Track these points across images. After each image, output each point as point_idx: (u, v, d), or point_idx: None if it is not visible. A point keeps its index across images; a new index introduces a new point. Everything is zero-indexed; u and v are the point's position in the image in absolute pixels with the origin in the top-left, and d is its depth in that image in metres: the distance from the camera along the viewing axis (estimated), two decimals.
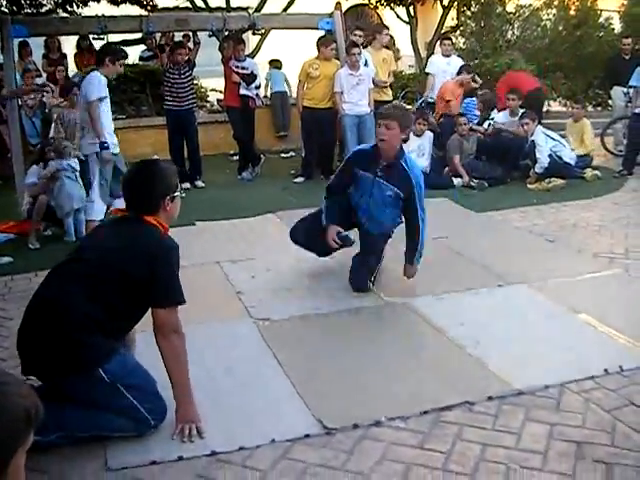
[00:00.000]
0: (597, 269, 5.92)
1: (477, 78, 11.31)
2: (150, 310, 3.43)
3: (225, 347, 4.49)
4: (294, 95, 11.93)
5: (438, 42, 13.73)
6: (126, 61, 8.18)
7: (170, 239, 3.53)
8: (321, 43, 10.12)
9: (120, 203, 7.23)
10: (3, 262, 6.61)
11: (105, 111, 7.29)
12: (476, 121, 10.63)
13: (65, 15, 13.45)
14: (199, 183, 10.03)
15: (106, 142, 7.12)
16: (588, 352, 4.31)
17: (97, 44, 10.42)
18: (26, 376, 3.38)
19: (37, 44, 12.91)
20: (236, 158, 11.20)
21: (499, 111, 10.67)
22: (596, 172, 9.88)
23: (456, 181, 9.65)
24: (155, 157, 11.06)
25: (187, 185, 9.80)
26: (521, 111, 10.18)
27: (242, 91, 10.30)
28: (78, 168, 7.50)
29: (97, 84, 7.19)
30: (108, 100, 7.39)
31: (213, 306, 5.26)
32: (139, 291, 3.39)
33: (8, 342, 4.68)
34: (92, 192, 7.33)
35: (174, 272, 3.43)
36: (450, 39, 12.51)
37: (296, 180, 10.17)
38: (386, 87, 10.79)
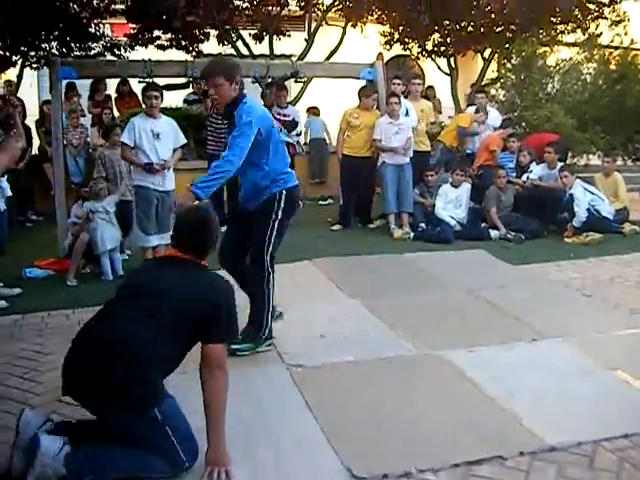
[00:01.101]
0: (634, 325, 5.84)
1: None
2: (202, 346, 3.53)
3: (257, 391, 4.50)
4: (333, 143, 12.04)
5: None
6: (169, 104, 8.49)
7: (225, 279, 3.86)
8: (362, 93, 10.25)
9: (143, 241, 7.54)
10: (13, 294, 6.73)
11: (143, 151, 7.75)
12: (513, 174, 10.64)
13: (112, 58, 13.76)
14: None
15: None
16: (623, 409, 4.25)
17: (138, 89, 10.62)
18: (64, 395, 3.53)
19: (83, 86, 13.23)
20: None
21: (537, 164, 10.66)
22: (634, 227, 9.82)
23: (493, 233, 9.64)
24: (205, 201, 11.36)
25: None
26: (560, 164, 10.19)
27: (282, 137, 10.38)
28: (112, 210, 7.69)
29: (127, 128, 7.80)
30: (149, 139, 7.79)
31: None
32: (198, 331, 3.51)
33: (43, 377, 4.75)
34: (133, 223, 7.93)
35: (235, 309, 3.73)
36: (484, 92, 12.61)
37: (333, 228, 10.22)
38: (423, 137, 10.84)
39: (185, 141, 8.13)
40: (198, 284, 3.61)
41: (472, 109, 11.83)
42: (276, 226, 5.29)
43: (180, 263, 3.69)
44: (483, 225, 9.91)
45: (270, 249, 5.29)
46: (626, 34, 15.46)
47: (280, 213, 5.26)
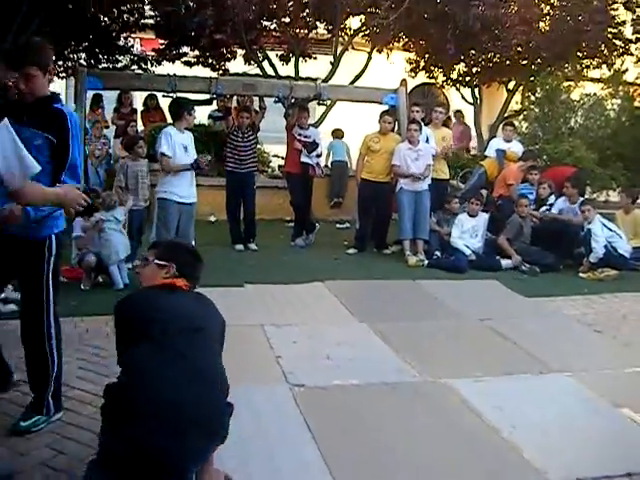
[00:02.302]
0: None
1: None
2: None
3: (259, 409, 4.50)
4: (354, 166, 12.08)
5: (501, 126, 13.84)
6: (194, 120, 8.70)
7: None
8: (380, 117, 10.29)
9: None
10: (6, 310, 6.71)
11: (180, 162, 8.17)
12: (532, 207, 10.60)
13: (139, 72, 13.90)
14: (252, 246, 10.10)
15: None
16: (627, 448, 4.22)
17: (164, 104, 10.74)
18: None
19: (107, 98, 13.39)
20: (291, 224, 11.26)
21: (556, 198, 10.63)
22: None
23: (504, 263, 9.61)
24: (213, 217, 11.42)
25: (240, 247, 9.94)
26: (581, 199, 10.16)
27: (303, 158, 10.40)
28: (122, 219, 7.76)
29: (165, 139, 8.14)
30: (181, 152, 8.17)
31: (252, 368, 5.28)
32: None
33: None
34: (150, 232, 8.12)
35: None
36: (513, 125, 12.62)
37: (349, 251, 10.19)
38: (443, 165, 10.83)
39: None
40: (213, 308, 3.62)
41: (516, 145, 11.81)
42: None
43: (193, 294, 3.65)
44: (498, 257, 9.83)
45: None
46: None
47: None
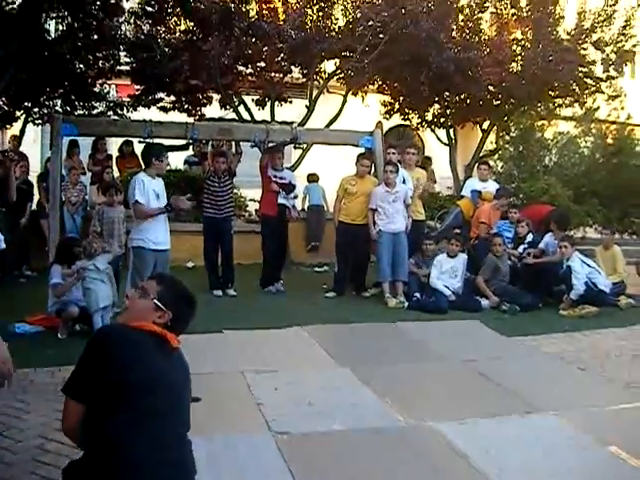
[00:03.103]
0: (629, 400, 5.78)
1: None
2: None
3: (241, 458, 4.39)
4: (331, 209, 12.06)
5: (476, 165, 13.94)
6: (169, 166, 8.63)
7: None
8: (357, 160, 10.30)
9: None
10: None
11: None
12: (511, 245, 10.64)
13: (114, 118, 13.89)
14: (230, 291, 10.00)
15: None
16: None
17: (139, 150, 10.72)
18: None
19: (84, 145, 13.34)
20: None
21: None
22: (630, 300, 9.82)
23: (483, 303, 9.60)
24: (190, 264, 11.32)
25: (219, 292, 9.85)
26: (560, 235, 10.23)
27: (280, 200, 10.36)
28: (103, 267, 7.58)
29: (137, 187, 7.97)
30: (153, 199, 8.05)
31: (233, 416, 5.18)
32: None
33: (22, 436, 4.65)
34: (126, 282, 7.89)
35: None
36: (488, 164, 12.71)
37: (327, 295, 10.11)
38: (419, 206, 10.82)
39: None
40: (187, 370, 3.28)
41: (491, 185, 11.86)
42: None
43: (168, 347, 3.15)
44: (477, 297, 9.81)
45: None
46: (622, 109, 15.68)
47: None
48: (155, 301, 3.19)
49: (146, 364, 3.01)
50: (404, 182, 10.23)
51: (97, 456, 2.83)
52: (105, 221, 8.47)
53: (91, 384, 2.90)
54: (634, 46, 15.95)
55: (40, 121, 14.21)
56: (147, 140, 9.65)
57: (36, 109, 13.83)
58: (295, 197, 10.78)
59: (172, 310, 3.20)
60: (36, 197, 11.90)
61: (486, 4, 15.11)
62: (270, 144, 10.35)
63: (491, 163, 14.53)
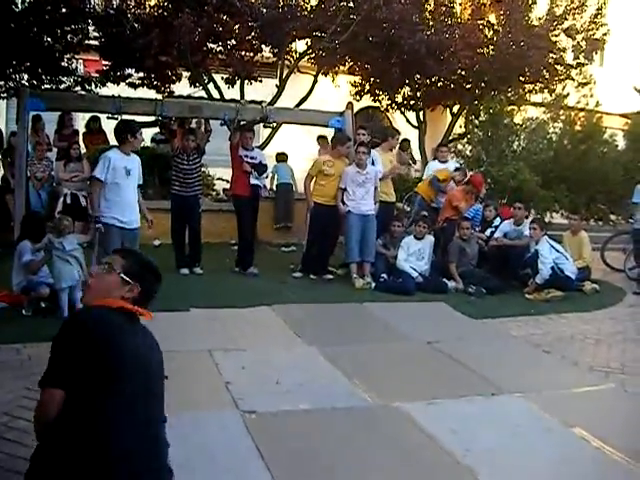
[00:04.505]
0: (593, 383, 5.88)
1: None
2: None
3: (209, 437, 4.38)
4: (299, 189, 12.00)
5: (436, 148, 14.01)
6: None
7: None
8: (337, 141, 10.16)
9: None
10: None
11: (116, 188, 7.83)
12: (478, 229, 10.71)
13: (82, 92, 13.67)
14: (197, 270, 9.92)
15: (98, 216, 7.78)
16: (580, 467, 4.21)
17: (107, 126, 10.58)
18: None
19: (49, 119, 13.15)
20: (236, 247, 11.05)
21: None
22: (595, 285, 9.98)
23: (450, 284, 9.66)
24: (157, 242, 11.23)
25: (185, 271, 9.76)
26: (530, 217, 10.30)
27: (253, 180, 10.27)
28: (69, 248, 7.44)
29: (102, 164, 7.85)
30: (122, 176, 7.87)
31: (201, 395, 5.17)
32: None
33: None
34: (92, 260, 7.56)
35: None
36: (446, 146, 12.85)
37: (295, 275, 10.09)
38: (389, 188, 10.80)
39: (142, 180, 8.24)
40: (156, 343, 3.21)
41: (452, 165, 12.00)
42: None
43: (140, 325, 3.15)
44: (444, 279, 9.86)
45: None
46: (592, 96, 15.75)
47: None
48: (122, 275, 3.08)
49: (128, 346, 2.92)
50: (373, 163, 10.20)
51: (85, 445, 2.73)
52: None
53: (73, 370, 2.78)
54: (604, 35, 16.09)
55: (6, 95, 13.94)
56: (116, 116, 9.53)
57: (2, 82, 13.57)
58: (266, 177, 10.70)
59: (140, 283, 3.11)
60: (0, 172, 11.73)
61: None
62: (241, 122, 10.27)
63: (460, 147, 14.61)
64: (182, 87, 14.99)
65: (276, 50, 14.49)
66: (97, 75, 14.49)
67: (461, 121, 17.03)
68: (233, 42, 13.96)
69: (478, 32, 14.81)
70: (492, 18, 15.29)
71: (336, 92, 16.24)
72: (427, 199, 11.67)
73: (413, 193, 12.06)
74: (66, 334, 2.86)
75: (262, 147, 13.50)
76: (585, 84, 16.05)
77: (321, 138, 14.13)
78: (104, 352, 2.82)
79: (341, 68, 16.11)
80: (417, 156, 17.25)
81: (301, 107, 14.40)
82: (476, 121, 14.87)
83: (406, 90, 16.37)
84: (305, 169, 10.55)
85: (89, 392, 2.78)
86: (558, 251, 9.66)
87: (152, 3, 13.56)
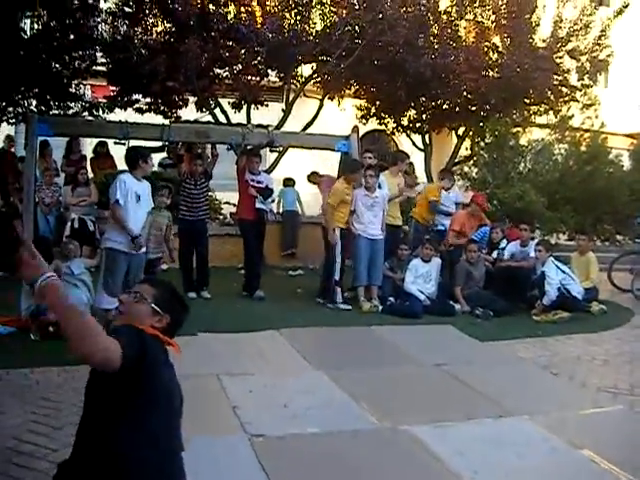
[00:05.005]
0: (600, 404, 5.86)
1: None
2: None
3: (217, 460, 4.40)
4: (306, 213, 11.96)
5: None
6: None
7: None
8: (351, 169, 10.01)
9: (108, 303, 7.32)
10: None
11: (125, 212, 7.81)
12: (485, 250, 10.71)
13: (90, 118, 13.77)
14: (205, 294, 9.95)
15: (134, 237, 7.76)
16: None
17: (114, 151, 10.64)
18: None
19: (56, 145, 13.24)
20: (243, 272, 11.06)
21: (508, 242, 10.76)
22: (602, 306, 9.94)
23: (457, 307, 9.67)
24: (164, 266, 11.26)
25: (193, 295, 9.77)
26: (536, 239, 10.29)
27: (258, 205, 10.31)
28: (78, 272, 7.50)
29: (119, 187, 7.83)
30: (133, 201, 7.87)
31: (208, 418, 5.17)
32: None
33: None
34: (99, 284, 7.71)
35: None
36: (451, 172, 12.80)
37: (319, 300, 9.93)
38: (396, 211, 10.80)
39: (152, 206, 8.26)
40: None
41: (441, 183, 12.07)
42: None
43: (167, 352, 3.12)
44: (451, 302, 9.86)
45: None
46: (597, 117, 15.85)
47: None
48: (153, 305, 3.03)
49: (164, 378, 2.91)
50: (380, 187, 10.22)
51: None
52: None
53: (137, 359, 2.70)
54: (608, 56, 16.15)
55: (14, 120, 14.05)
56: (123, 141, 9.58)
57: (10, 108, 13.68)
58: (272, 201, 10.72)
59: (169, 314, 3.06)
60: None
61: (466, 9, 15.18)
62: (247, 147, 10.31)
63: (466, 169, 14.65)
64: (189, 112, 15.06)
65: (282, 74, 14.60)
66: (105, 101, 14.61)
67: (467, 143, 17.07)
68: (239, 67, 14.05)
69: (483, 55, 14.87)
70: (496, 41, 15.34)
71: (342, 116, 16.30)
72: (423, 222, 11.66)
73: (410, 218, 12.05)
74: (136, 333, 2.81)
75: (269, 171, 13.54)
76: (590, 105, 16.11)
77: (312, 175, 14.11)
78: (148, 379, 2.79)
79: (347, 92, 16.18)
80: (423, 179, 17.27)
81: (307, 131, 14.45)
82: (482, 143, 14.92)
83: (412, 113, 16.43)
84: (312, 192, 10.57)
85: (137, 406, 2.77)
86: (564, 272, 9.65)
87: (159, 29, 13.68)
